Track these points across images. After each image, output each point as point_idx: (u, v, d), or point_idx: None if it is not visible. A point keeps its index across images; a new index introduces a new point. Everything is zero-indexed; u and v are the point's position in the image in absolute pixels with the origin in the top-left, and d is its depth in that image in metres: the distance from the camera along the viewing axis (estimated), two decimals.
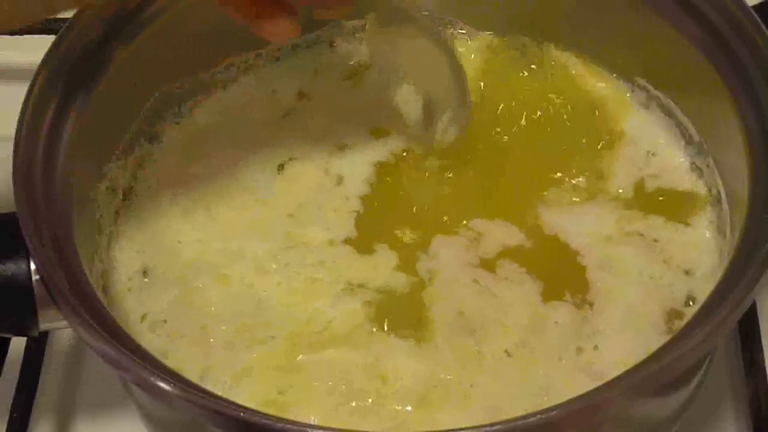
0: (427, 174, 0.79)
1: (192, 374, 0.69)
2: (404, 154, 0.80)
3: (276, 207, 0.78)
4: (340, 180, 0.79)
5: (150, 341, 0.71)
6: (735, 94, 0.70)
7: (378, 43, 0.80)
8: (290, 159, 0.80)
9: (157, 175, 0.79)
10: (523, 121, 0.81)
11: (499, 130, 0.81)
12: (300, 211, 0.77)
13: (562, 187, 0.78)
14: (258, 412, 0.57)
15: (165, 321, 0.72)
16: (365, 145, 0.81)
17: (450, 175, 0.79)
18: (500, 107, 0.82)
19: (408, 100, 0.78)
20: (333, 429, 0.56)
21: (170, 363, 0.69)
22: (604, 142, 0.80)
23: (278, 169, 0.80)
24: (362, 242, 0.76)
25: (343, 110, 0.83)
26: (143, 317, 0.72)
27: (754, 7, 0.71)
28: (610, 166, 0.78)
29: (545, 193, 0.77)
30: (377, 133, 0.81)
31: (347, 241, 0.76)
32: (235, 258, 0.75)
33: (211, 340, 0.71)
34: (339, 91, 0.85)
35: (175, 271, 0.74)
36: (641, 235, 0.75)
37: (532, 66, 0.84)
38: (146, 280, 0.74)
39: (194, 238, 0.76)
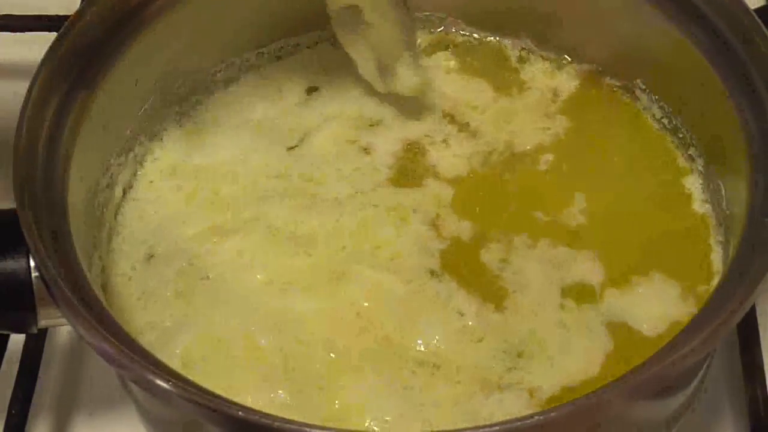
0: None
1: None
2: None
3: (290, 178, 0.78)
4: (367, 150, 0.80)
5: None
6: (735, 97, 0.70)
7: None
8: (303, 138, 0.81)
9: (159, 169, 0.80)
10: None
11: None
12: (320, 175, 0.78)
13: None
14: (256, 411, 0.56)
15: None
16: (398, 122, 0.81)
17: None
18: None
19: (364, 55, 0.80)
20: (333, 429, 0.56)
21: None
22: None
23: (288, 150, 0.80)
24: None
25: (364, 97, 0.83)
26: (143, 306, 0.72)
27: (756, 10, 0.71)
28: None
29: None
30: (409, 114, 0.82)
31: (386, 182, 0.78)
32: (255, 221, 0.75)
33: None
34: (356, 82, 0.84)
35: (179, 246, 0.75)
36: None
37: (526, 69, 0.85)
38: (148, 273, 0.74)
39: (202, 217, 0.76)
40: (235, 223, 0.76)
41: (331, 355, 0.69)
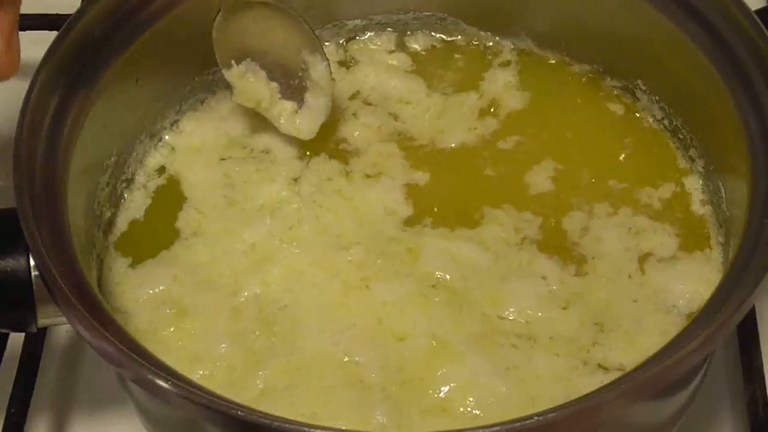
0: None
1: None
2: None
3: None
4: (267, 151, 0.80)
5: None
6: (736, 98, 0.70)
7: (228, 33, 0.75)
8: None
9: (158, 169, 0.80)
10: None
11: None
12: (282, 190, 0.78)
13: None
14: (256, 411, 0.56)
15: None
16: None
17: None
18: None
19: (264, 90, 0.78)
20: (332, 429, 0.56)
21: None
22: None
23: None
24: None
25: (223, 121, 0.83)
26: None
27: (757, 11, 0.71)
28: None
29: None
30: None
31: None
32: (293, 241, 0.74)
33: None
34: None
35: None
36: None
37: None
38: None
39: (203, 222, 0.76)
40: (273, 252, 0.74)
41: (433, 342, 0.68)
